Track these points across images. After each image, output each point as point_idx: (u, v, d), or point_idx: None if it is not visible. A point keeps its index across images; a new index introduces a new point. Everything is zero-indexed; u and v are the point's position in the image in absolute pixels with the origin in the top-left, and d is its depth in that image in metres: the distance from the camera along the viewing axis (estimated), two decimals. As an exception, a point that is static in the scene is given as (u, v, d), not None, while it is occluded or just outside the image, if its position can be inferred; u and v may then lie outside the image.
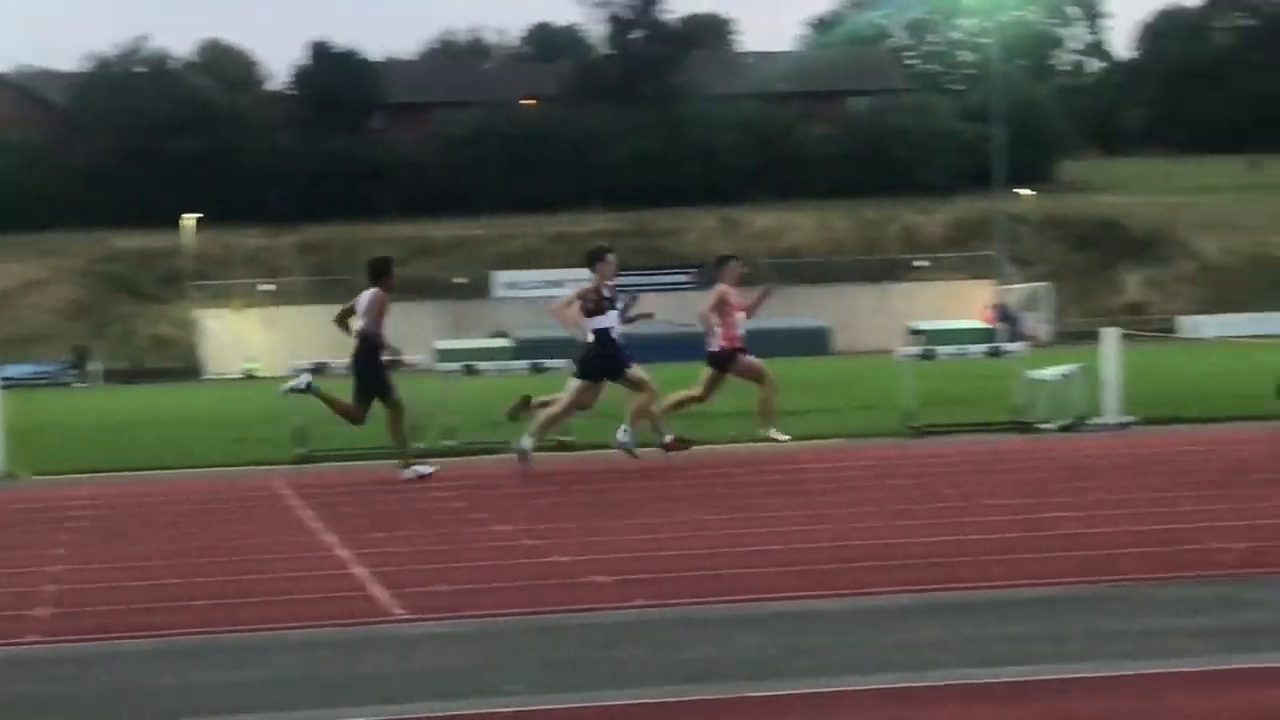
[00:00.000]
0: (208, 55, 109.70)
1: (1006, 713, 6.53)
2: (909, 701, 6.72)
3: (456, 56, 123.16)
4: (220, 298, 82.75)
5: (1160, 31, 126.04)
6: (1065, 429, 20.45)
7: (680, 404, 19.11)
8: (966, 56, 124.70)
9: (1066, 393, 21.13)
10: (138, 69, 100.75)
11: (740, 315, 18.83)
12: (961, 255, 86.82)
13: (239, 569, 11.05)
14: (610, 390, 18.14)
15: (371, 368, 17.34)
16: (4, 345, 76.34)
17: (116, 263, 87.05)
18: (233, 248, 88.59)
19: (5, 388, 23.53)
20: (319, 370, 21.60)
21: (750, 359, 18.90)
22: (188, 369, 76.85)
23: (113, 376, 72.63)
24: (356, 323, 17.47)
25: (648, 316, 19.25)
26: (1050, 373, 21.59)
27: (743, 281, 19.28)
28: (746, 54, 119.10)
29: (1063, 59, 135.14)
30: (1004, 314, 76.97)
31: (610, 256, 17.80)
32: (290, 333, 76.10)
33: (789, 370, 20.76)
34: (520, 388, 21.09)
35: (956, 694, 6.79)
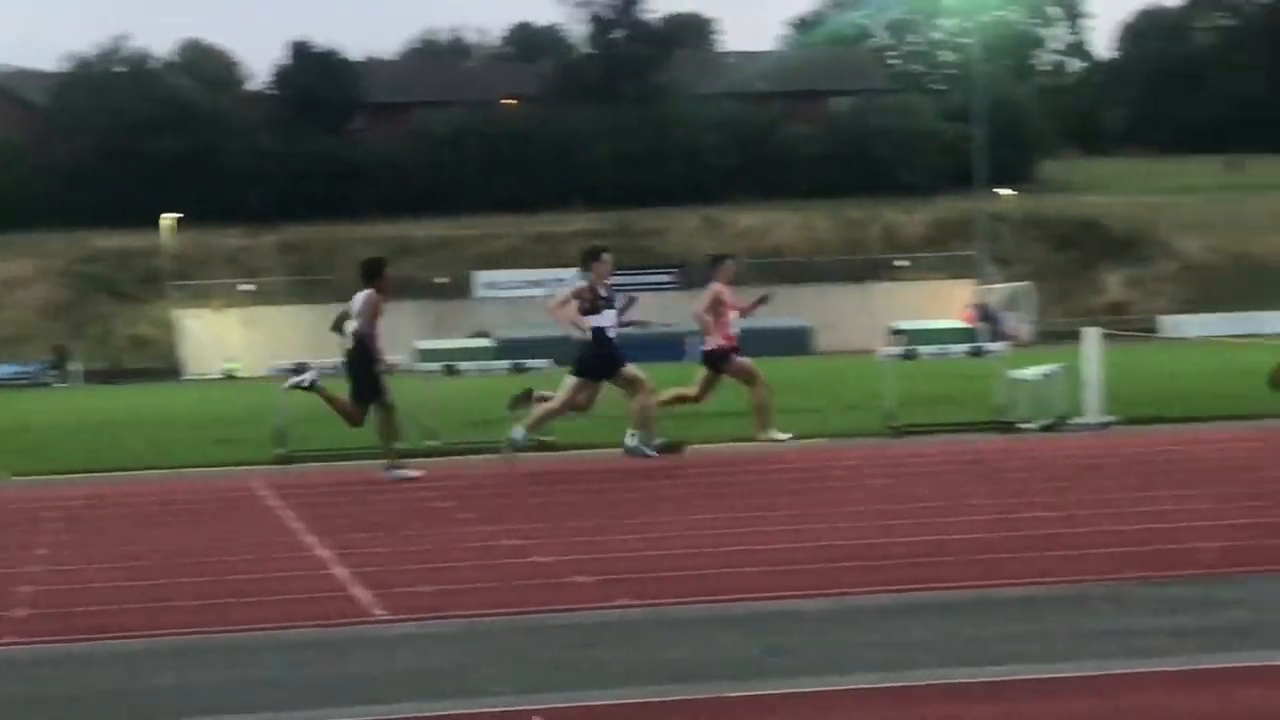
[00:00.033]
0: (188, 55, 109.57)
1: (987, 712, 6.53)
2: (890, 701, 6.72)
3: (437, 56, 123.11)
4: (200, 298, 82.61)
5: (1141, 31, 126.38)
6: (1046, 429, 20.48)
7: (673, 401, 19.11)
8: (948, 56, 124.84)
9: (1048, 392, 21.16)
10: (118, 69, 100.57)
11: (734, 314, 18.85)
12: (943, 255, 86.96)
13: (218, 570, 11.02)
14: (609, 392, 18.10)
15: (365, 369, 17.32)
16: (-16, 345, 76.23)
17: (96, 263, 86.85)
18: (213, 248, 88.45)
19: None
20: (300, 370, 21.57)
21: (742, 360, 18.91)
22: (167, 369, 76.70)
23: (92, 377, 72.48)
24: (351, 324, 17.44)
25: (643, 324, 19.25)
26: (1031, 372, 21.62)
27: (734, 281, 19.29)
28: (728, 54, 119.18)
29: (1043, 59, 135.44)
30: (985, 314, 77.07)
31: (606, 256, 17.80)
32: (270, 333, 76.07)
33: (771, 370, 20.74)
34: (501, 388, 21.07)
35: (938, 693, 6.79)
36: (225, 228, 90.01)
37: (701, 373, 18.98)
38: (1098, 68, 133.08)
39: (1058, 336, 63.11)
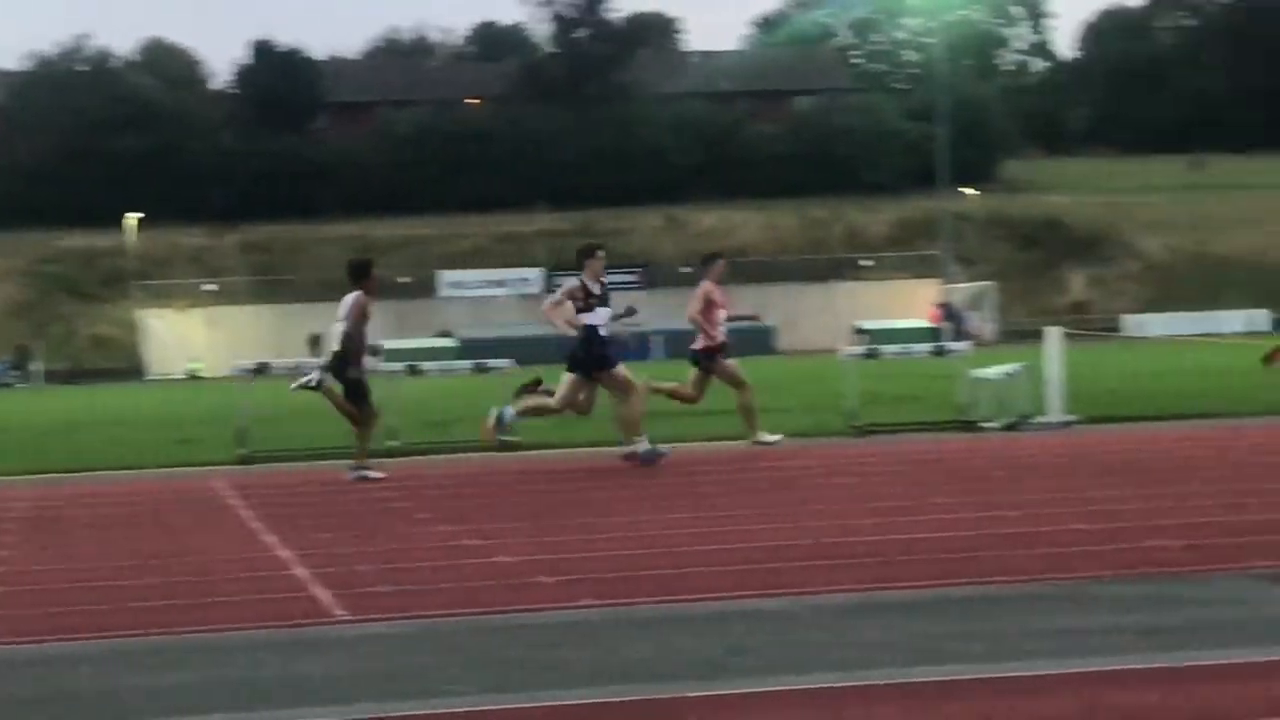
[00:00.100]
0: (150, 54, 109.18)
1: (947, 711, 6.56)
2: (850, 700, 6.74)
3: (401, 55, 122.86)
4: (163, 297, 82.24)
5: (1103, 31, 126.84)
6: (1009, 428, 20.54)
7: (668, 393, 19.16)
8: (911, 56, 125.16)
9: (1010, 392, 21.23)
10: (79, 68, 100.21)
11: (722, 313, 18.95)
12: (906, 254, 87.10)
13: (179, 571, 10.99)
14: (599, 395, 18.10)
15: (343, 373, 17.27)
16: (-55, 346, 75.78)
17: (59, 263, 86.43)
18: (175, 247, 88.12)
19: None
20: (261, 370, 21.53)
21: (727, 363, 18.99)
22: (130, 369, 76.37)
23: (54, 377, 72.13)
24: (338, 326, 17.38)
25: (629, 314, 19.34)
26: (994, 372, 21.68)
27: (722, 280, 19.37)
28: (692, 53, 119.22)
29: (1007, 59, 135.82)
30: (949, 313, 77.26)
31: (600, 253, 17.76)
32: (233, 332, 75.70)
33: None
34: (464, 388, 21.06)
35: (896, 693, 6.81)
36: (187, 227, 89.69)
37: (692, 373, 19.11)
38: (1060, 67, 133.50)
39: (1020, 336, 63.26)
